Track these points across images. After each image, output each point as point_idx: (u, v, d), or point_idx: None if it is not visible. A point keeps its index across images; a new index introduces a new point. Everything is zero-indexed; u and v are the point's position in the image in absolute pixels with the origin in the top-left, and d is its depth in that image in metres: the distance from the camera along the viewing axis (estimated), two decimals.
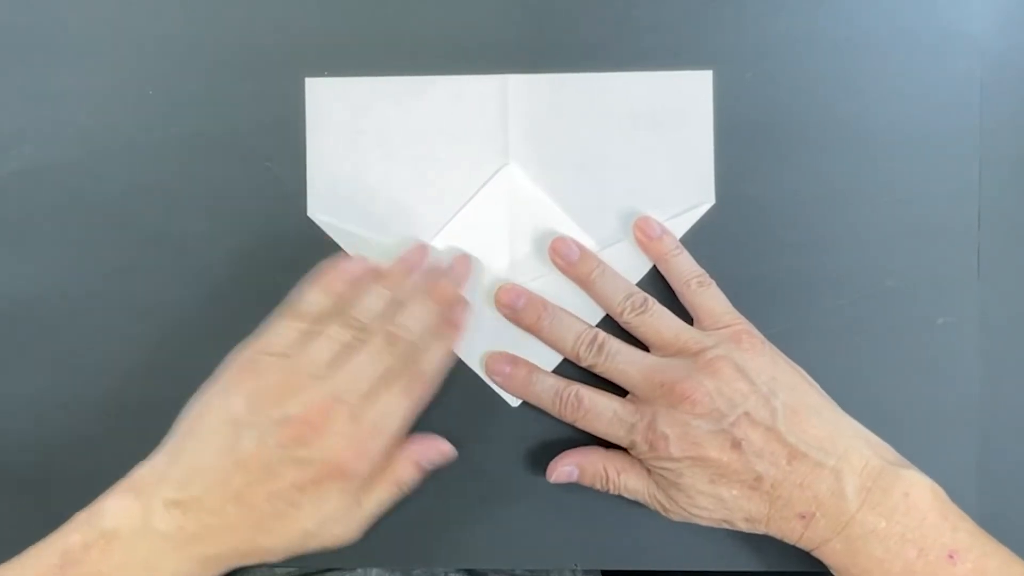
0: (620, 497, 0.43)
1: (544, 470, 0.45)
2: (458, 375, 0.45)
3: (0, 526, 0.45)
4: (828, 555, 0.39)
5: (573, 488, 0.45)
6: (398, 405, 0.40)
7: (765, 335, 0.44)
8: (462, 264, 0.44)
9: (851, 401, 0.44)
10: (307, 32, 0.45)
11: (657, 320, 0.42)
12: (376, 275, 0.43)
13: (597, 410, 0.42)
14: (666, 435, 0.39)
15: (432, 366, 0.42)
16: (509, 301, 0.43)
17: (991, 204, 0.44)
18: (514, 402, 0.45)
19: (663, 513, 0.42)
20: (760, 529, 0.40)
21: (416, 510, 0.45)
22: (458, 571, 0.49)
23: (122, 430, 0.45)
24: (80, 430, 0.45)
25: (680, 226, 0.45)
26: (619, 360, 0.42)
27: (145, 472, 0.38)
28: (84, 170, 0.46)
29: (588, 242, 0.45)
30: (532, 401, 0.44)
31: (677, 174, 0.45)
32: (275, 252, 0.45)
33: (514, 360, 0.44)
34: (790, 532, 0.39)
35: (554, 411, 0.43)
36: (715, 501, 0.40)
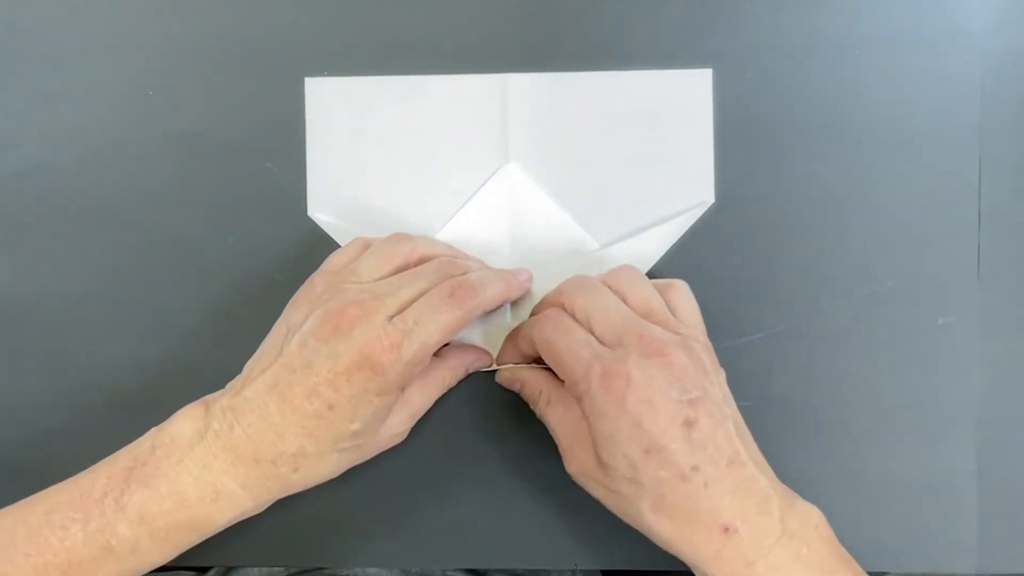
0: None
1: (544, 471, 0.45)
2: None
3: None
4: None
5: (573, 488, 0.45)
6: (437, 313, 0.39)
7: (765, 335, 0.44)
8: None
9: (851, 401, 0.45)
10: (307, 32, 0.45)
11: (595, 301, 0.40)
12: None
13: (570, 328, 0.40)
14: (630, 376, 0.37)
15: (484, 288, 0.41)
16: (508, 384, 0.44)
17: (991, 204, 0.44)
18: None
19: (566, 466, 0.40)
20: (663, 529, 0.37)
21: (416, 510, 0.45)
22: (458, 571, 0.49)
23: (122, 430, 0.45)
24: (80, 430, 0.45)
25: (680, 225, 0.45)
26: (602, 297, 0.40)
27: (219, 390, 0.40)
28: (84, 170, 0.46)
29: (588, 241, 0.45)
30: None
31: (677, 173, 0.45)
32: (276, 251, 0.45)
33: None
34: (703, 545, 0.36)
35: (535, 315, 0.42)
36: (632, 474, 0.37)
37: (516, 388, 0.44)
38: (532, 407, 0.43)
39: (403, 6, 0.45)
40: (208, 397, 0.40)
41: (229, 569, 0.51)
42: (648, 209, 0.45)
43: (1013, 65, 0.44)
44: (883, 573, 0.45)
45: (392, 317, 0.38)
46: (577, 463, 0.40)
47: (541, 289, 0.44)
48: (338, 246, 0.45)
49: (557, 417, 0.41)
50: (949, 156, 0.44)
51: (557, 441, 0.41)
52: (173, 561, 0.44)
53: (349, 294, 0.39)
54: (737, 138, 0.45)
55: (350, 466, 0.40)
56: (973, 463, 0.44)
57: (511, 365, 0.44)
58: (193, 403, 0.40)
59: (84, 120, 0.45)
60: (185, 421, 0.39)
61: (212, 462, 0.38)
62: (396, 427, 0.41)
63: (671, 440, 0.36)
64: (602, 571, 0.52)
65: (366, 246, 0.42)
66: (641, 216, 0.45)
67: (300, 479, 0.39)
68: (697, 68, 0.45)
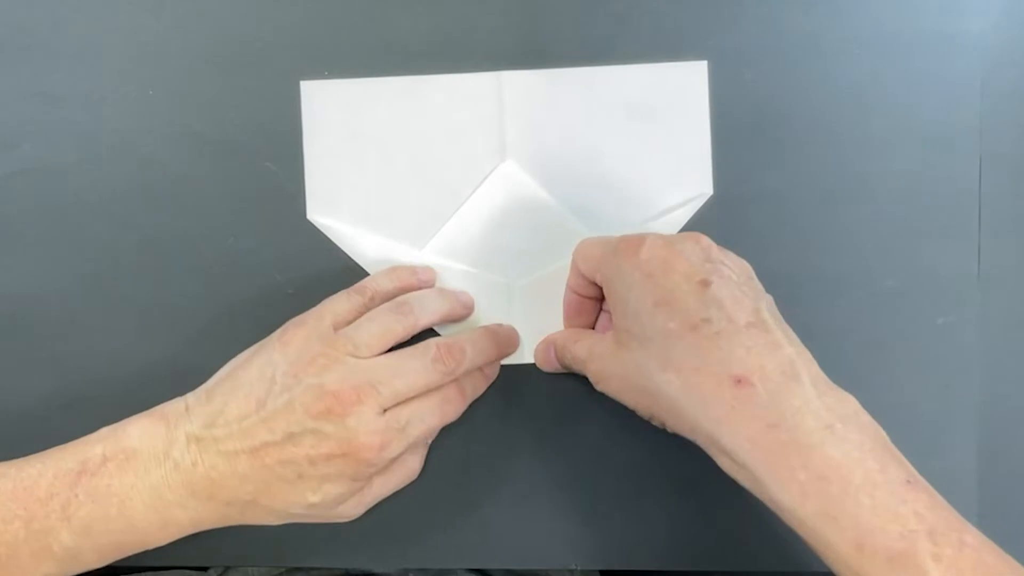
0: (620, 497, 0.43)
1: (545, 471, 0.45)
2: None
3: None
4: (762, 451, 0.32)
5: (573, 488, 0.45)
6: (429, 418, 0.40)
7: None
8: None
9: None
10: (306, 33, 0.45)
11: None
12: (444, 290, 0.44)
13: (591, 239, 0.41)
14: (647, 237, 0.37)
15: (468, 396, 0.42)
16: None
17: (991, 204, 0.44)
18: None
19: (595, 371, 0.40)
20: (670, 385, 0.35)
21: (415, 510, 0.45)
22: (458, 571, 0.49)
23: None
24: (80, 430, 0.45)
25: (679, 218, 0.45)
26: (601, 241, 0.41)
27: (178, 404, 0.40)
28: (84, 170, 0.46)
29: (588, 236, 0.45)
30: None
31: (675, 165, 0.45)
32: (276, 251, 0.45)
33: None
34: (713, 400, 0.33)
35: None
36: (641, 331, 0.36)
37: (553, 357, 0.43)
38: (562, 355, 0.42)
39: (401, 7, 0.45)
40: (168, 411, 0.39)
41: (228, 568, 0.51)
42: (647, 202, 0.45)
43: (1013, 65, 0.44)
44: None
45: (385, 410, 0.38)
46: (598, 357, 0.39)
47: (543, 288, 0.44)
48: (338, 249, 0.45)
49: (586, 345, 0.41)
50: (949, 156, 0.44)
51: (581, 359, 0.41)
52: (173, 560, 0.44)
53: (345, 372, 0.38)
54: (736, 137, 0.45)
55: (294, 522, 0.41)
56: (973, 463, 0.44)
57: (544, 345, 0.44)
58: (150, 415, 0.39)
59: (84, 120, 0.45)
60: (143, 437, 0.38)
61: (166, 493, 0.37)
62: (349, 510, 0.41)
63: (683, 293, 0.35)
64: (602, 571, 0.52)
65: (369, 298, 0.42)
66: (640, 209, 0.45)
67: (245, 520, 0.40)
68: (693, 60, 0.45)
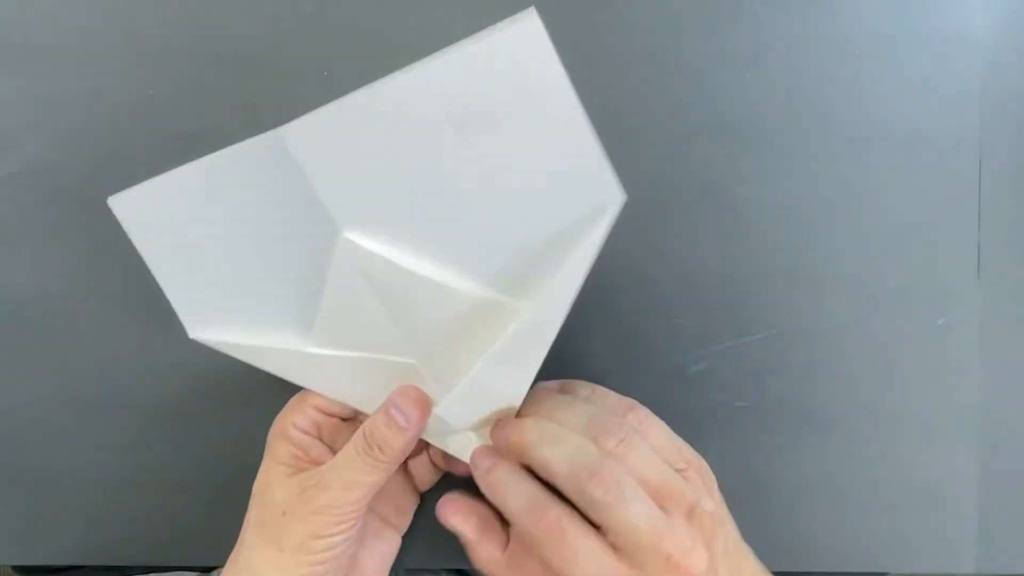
0: None
1: None
2: None
3: (0, 526, 0.45)
4: None
5: None
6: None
7: (763, 336, 0.44)
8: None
9: (851, 401, 0.45)
10: (307, 33, 0.45)
11: (643, 455, 0.35)
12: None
13: (579, 553, 0.34)
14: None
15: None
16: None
17: (991, 204, 0.44)
18: None
19: None
20: None
21: (415, 510, 0.45)
22: (457, 571, 0.49)
23: (122, 430, 0.45)
24: (80, 430, 0.45)
25: (592, 242, 0.33)
26: (629, 503, 0.34)
27: None
28: (84, 170, 0.46)
29: (476, 292, 0.35)
30: (495, 502, 0.37)
31: (546, 176, 0.32)
32: None
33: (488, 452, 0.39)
34: None
35: (522, 524, 0.35)
36: None
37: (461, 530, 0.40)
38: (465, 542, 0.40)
39: (403, 8, 0.45)
40: None
41: None
42: (537, 229, 0.33)
43: (1013, 65, 0.44)
44: (883, 573, 0.46)
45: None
46: None
47: (454, 364, 0.36)
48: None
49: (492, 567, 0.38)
50: (949, 156, 0.44)
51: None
52: (177, 560, 0.44)
53: None
54: (736, 138, 0.44)
55: None
56: (973, 463, 0.44)
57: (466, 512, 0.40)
58: None
59: (84, 120, 0.45)
60: None
61: None
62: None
63: None
64: None
65: None
66: (531, 241, 0.34)
67: None
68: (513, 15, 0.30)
